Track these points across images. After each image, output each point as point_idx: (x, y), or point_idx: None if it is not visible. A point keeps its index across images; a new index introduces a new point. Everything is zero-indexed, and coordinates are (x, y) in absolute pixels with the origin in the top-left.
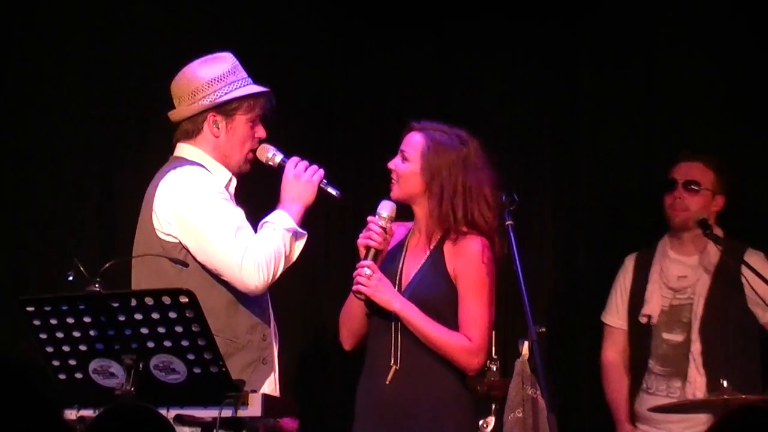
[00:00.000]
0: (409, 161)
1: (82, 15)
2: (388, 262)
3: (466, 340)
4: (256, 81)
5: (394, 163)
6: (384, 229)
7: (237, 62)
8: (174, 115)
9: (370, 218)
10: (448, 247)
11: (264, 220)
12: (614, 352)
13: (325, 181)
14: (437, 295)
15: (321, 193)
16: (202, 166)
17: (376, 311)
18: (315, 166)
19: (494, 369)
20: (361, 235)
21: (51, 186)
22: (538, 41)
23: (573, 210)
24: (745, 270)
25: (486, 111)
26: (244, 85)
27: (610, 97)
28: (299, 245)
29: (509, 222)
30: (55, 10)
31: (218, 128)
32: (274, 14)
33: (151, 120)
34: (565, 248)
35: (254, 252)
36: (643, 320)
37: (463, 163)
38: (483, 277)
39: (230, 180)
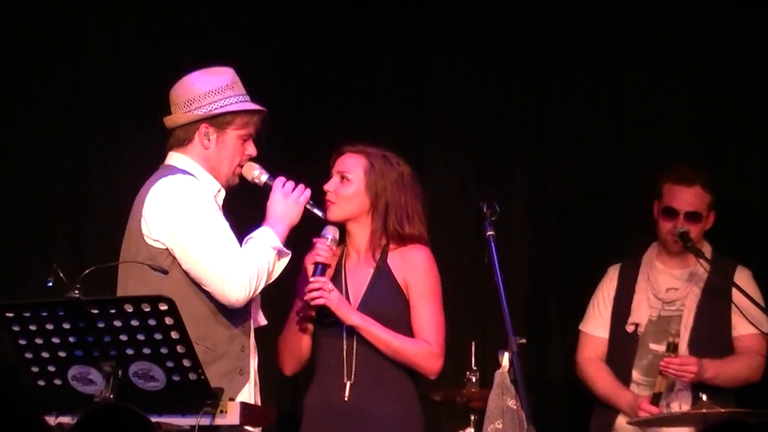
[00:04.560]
0: (351, 182)
1: (54, 27)
2: None
3: (426, 345)
4: (254, 99)
5: (333, 185)
6: (330, 247)
7: (237, 78)
8: (168, 121)
9: (316, 239)
10: (393, 259)
11: (250, 236)
12: (593, 356)
13: (311, 202)
14: (392, 306)
15: (306, 213)
16: (192, 175)
17: (325, 325)
18: (302, 186)
19: (473, 380)
20: (308, 254)
21: (25, 191)
22: (509, 33)
23: (544, 217)
24: (734, 289)
25: (455, 115)
26: (240, 101)
27: (582, 99)
28: (282, 264)
29: (490, 232)
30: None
31: (209, 140)
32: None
33: (123, 129)
34: (536, 257)
35: (239, 266)
36: (630, 329)
37: (402, 180)
38: (434, 284)
39: (219, 191)
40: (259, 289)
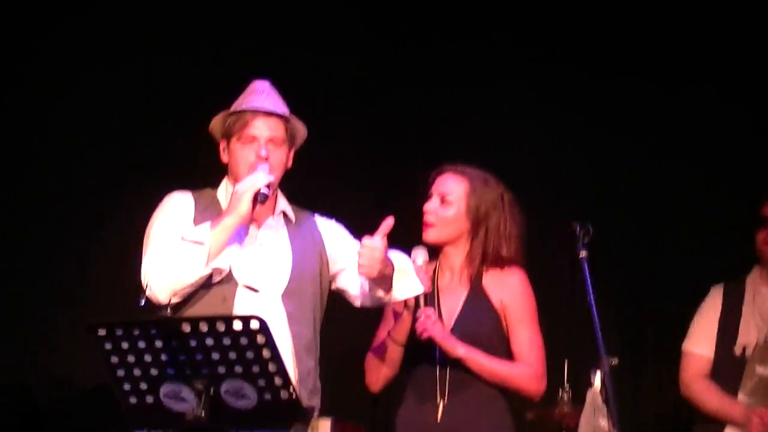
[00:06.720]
0: (452, 204)
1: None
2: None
3: (528, 368)
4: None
5: (433, 207)
6: (428, 274)
7: (258, 87)
8: None
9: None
10: (489, 281)
11: None
12: (699, 374)
13: (264, 189)
14: (486, 328)
15: (257, 200)
16: (196, 190)
17: (417, 346)
18: (256, 176)
19: (566, 398)
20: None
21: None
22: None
23: (642, 237)
24: None
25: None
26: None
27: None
28: (198, 255)
29: (583, 254)
30: None
31: (225, 155)
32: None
33: None
34: (631, 278)
35: (154, 262)
36: (738, 351)
37: (501, 204)
38: (531, 306)
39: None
40: (168, 282)
